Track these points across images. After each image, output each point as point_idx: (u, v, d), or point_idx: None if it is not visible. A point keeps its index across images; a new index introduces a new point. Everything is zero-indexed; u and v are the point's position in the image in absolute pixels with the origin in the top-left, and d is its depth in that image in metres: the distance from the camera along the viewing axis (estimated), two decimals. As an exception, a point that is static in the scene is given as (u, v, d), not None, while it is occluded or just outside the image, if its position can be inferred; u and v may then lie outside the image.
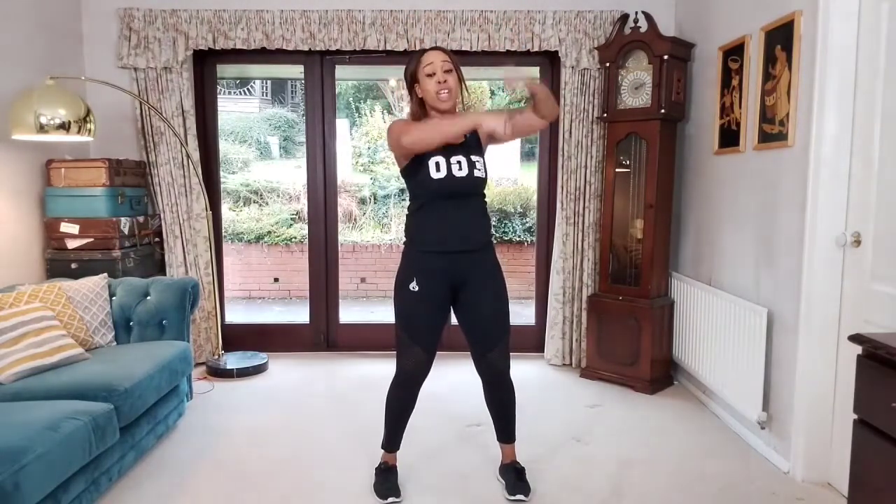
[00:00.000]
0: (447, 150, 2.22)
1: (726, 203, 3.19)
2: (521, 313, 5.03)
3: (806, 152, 2.47)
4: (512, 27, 3.79)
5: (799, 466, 2.53)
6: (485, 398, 2.46)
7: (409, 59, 2.29)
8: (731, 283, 3.13)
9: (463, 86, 2.28)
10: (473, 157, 2.25)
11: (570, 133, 3.87)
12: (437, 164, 2.20)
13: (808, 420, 2.50)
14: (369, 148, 8.19)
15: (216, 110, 4.15)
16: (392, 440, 2.45)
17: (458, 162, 2.21)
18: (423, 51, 2.27)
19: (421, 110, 2.30)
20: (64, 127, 3.06)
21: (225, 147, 8.04)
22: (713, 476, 2.58)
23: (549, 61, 3.99)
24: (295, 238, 7.01)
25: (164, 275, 3.86)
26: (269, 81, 10.60)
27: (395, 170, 7.75)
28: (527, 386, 3.56)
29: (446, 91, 2.20)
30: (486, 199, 2.37)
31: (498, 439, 2.50)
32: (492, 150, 2.41)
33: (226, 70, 5.14)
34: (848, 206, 2.38)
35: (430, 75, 2.21)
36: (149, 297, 3.11)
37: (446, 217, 2.25)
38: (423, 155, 2.20)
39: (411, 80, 2.28)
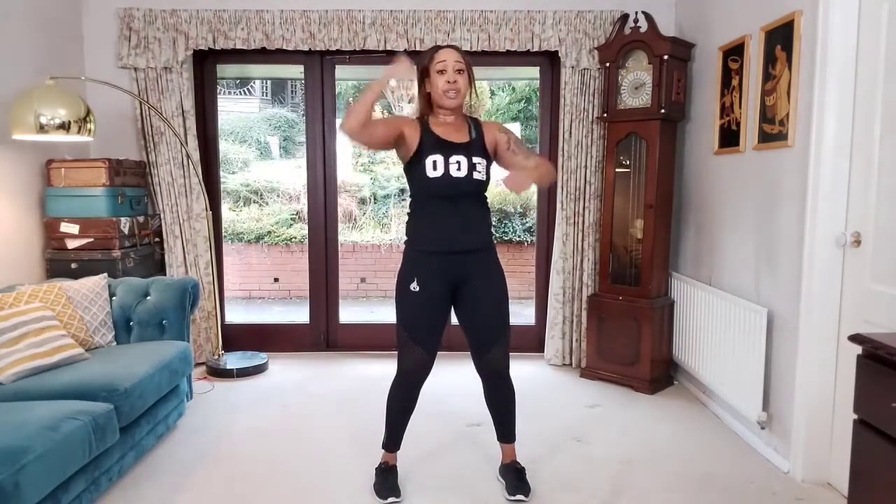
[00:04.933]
0: (446, 149, 2.22)
1: (726, 203, 3.19)
2: (521, 313, 5.02)
3: (806, 152, 2.47)
4: (512, 27, 3.79)
5: (799, 466, 2.53)
6: (485, 398, 2.45)
7: (423, 54, 2.30)
8: (731, 283, 3.13)
9: (472, 87, 2.29)
10: (475, 159, 2.24)
11: (570, 133, 3.87)
12: (434, 163, 2.20)
13: (808, 420, 2.50)
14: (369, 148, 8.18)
15: (216, 110, 4.14)
16: (392, 440, 2.45)
17: (458, 162, 2.21)
18: (438, 47, 2.28)
19: (426, 106, 2.31)
20: (64, 127, 3.05)
21: (225, 147, 8.04)
22: (713, 476, 2.58)
23: (549, 61, 3.99)
24: (295, 238, 7.01)
25: (164, 275, 3.86)
26: (269, 81, 10.59)
27: (396, 170, 7.78)
28: (527, 386, 3.56)
29: (454, 91, 2.21)
30: (488, 199, 2.37)
31: (498, 439, 2.50)
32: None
33: (226, 70, 5.12)
34: (848, 206, 2.38)
35: (440, 72, 2.21)
36: (149, 297, 3.11)
37: (445, 217, 2.25)
38: (421, 153, 2.21)
39: (422, 75, 2.28)
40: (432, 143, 2.23)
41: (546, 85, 4.07)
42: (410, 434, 2.50)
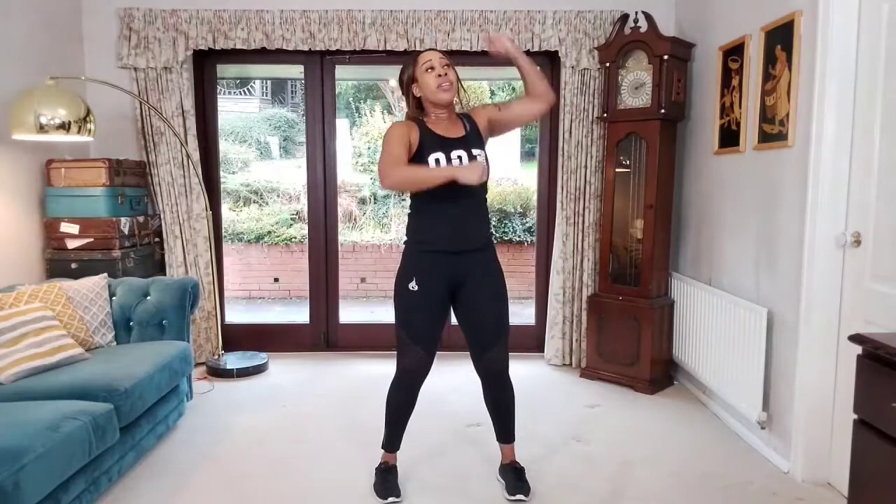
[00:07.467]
0: (447, 145, 2.22)
1: (726, 203, 3.19)
2: (521, 313, 5.02)
3: (806, 152, 2.47)
4: (512, 27, 3.79)
5: (799, 466, 2.53)
6: (484, 398, 2.45)
7: (404, 66, 2.31)
8: (731, 283, 3.13)
9: (460, 85, 2.29)
10: (475, 151, 2.25)
11: (570, 133, 3.87)
12: (437, 161, 2.19)
13: (808, 420, 2.50)
14: (369, 148, 8.18)
15: (216, 110, 4.14)
16: (392, 440, 2.45)
17: (459, 157, 2.22)
18: (418, 52, 2.29)
19: (419, 111, 2.31)
20: (64, 127, 3.05)
21: (225, 147, 8.03)
22: (713, 476, 2.58)
23: (550, 61, 3.99)
24: (295, 238, 7.01)
25: (164, 275, 3.86)
26: (269, 81, 10.58)
27: (395, 170, 7.76)
28: (527, 386, 3.56)
29: (447, 83, 2.22)
30: (487, 198, 2.37)
31: (497, 439, 2.50)
32: (492, 148, 2.40)
33: (226, 70, 5.14)
34: (848, 206, 2.38)
35: (429, 69, 2.22)
36: (149, 297, 3.11)
37: (446, 217, 2.25)
38: (422, 151, 2.21)
39: (409, 83, 2.28)
40: (432, 140, 2.23)
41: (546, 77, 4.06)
42: (410, 434, 2.50)
